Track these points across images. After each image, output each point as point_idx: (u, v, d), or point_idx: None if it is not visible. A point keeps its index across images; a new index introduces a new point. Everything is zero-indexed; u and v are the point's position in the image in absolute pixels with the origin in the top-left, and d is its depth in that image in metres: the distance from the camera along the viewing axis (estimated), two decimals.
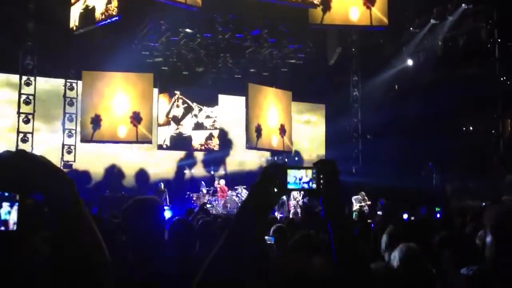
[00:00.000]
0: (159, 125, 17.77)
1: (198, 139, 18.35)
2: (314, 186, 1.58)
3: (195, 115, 18.39)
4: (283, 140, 19.19)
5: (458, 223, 6.20)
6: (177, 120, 18.10)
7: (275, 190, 1.54)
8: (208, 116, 18.53)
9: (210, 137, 18.50)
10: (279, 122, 19.23)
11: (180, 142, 18.16)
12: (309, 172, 1.58)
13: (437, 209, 12.46)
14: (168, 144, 17.89)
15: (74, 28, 14.74)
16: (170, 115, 18.03)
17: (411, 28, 16.98)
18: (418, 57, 17.56)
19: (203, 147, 18.49)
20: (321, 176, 1.58)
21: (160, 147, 17.78)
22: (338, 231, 1.53)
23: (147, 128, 17.14)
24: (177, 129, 18.04)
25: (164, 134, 17.85)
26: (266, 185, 1.52)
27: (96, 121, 16.67)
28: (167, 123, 17.95)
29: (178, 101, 18.20)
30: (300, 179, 1.57)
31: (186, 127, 18.22)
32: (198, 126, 18.39)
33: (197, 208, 14.34)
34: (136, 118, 17.05)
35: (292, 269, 1.08)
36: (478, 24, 15.75)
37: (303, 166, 1.60)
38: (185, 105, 18.33)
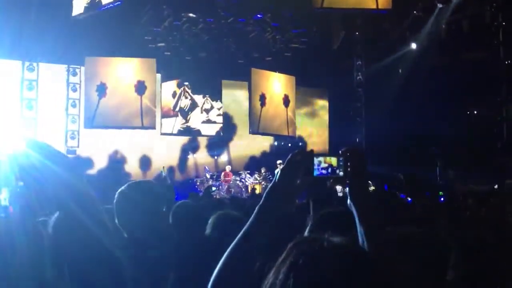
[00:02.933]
0: (163, 115, 17.82)
1: (207, 131, 18.54)
2: (341, 173, 1.56)
3: (205, 110, 18.46)
4: (286, 125, 19.18)
5: (462, 206, 6.20)
6: (184, 113, 18.16)
7: (302, 177, 1.51)
8: (218, 114, 18.67)
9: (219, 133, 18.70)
10: (282, 107, 19.21)
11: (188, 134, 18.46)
12: (335, 159, 1.56)
13: (440, 193, 12.46)
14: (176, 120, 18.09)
15: (77, 13, 14.70)
16: (177, 108, 18.08)
17: (415, 12, 16.83)
18: (422, 41, 17.44)
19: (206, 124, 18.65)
20: (348, 163, 1.56)
21: (164, 131, 17.84)
22: (364, 218, 1.53)
23: (147, 119, 17.23)
24: (185, 123, 18.10)
25: (171, 126, 17.95)
26: (293, 172, 1.50)
27: (96, 111, 16.67)
28: (174, 115, 18.01)
29: (185, 93, 18.22)
30: (326, 167, 1.56)
31: (195, 122, 18.31)
32: (208, 121, 18.50)
33: (201, 193, 14.40)
34: (140, 88, 17.07)
35: (317, 248, 1.08)
36: (482, 8, 15.61)
37: (331, 154, 1.58)
38: (191, 98, 18.37)
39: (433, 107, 16.43)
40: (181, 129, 18.09)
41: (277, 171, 16.95)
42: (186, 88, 18.18)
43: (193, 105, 18.30)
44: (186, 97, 18.21)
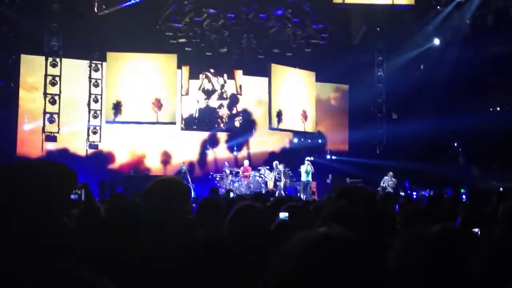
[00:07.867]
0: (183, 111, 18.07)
1: (223, 111, 18.95)
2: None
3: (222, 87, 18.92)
4: (305, 121, 19.15)
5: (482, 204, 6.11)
6: (208, 93, 18.64)
7: None
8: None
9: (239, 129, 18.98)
10: (301, 103, 19.17)
11: (207, 114, 18.71)
12: None
13: (462, 190, 12.31)
14: (197, 115, 18.45)
15: (99, 10, 14.85)
16: (201, 88, 18.50)
17: (438, 7, 16.62)
18: (445, 36, 17.21)
19: (226, 119, 18.96)
20: None
21: (184, 127, 18.01)
22: None
23: (167, 114, 17.45)
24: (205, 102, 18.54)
25: (191, 122, 18.27)
26: None
27: (117, 107, 16.93)
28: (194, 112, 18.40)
29: (206, 78, 18.62)
30: None
31: (213, 101, 18.80)
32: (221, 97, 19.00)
33: (223, 192, 14.40)
34: (157, 105, 17.27)
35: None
36: (506, 2, 15.37)
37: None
38: (211, 82, 18.69)
39: (456, 102, 16.23)
40: (202, 107, 18.45)
41: (304, 167, 16.84)
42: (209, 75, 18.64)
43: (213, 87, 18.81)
44: (209, 81, 18.72)
